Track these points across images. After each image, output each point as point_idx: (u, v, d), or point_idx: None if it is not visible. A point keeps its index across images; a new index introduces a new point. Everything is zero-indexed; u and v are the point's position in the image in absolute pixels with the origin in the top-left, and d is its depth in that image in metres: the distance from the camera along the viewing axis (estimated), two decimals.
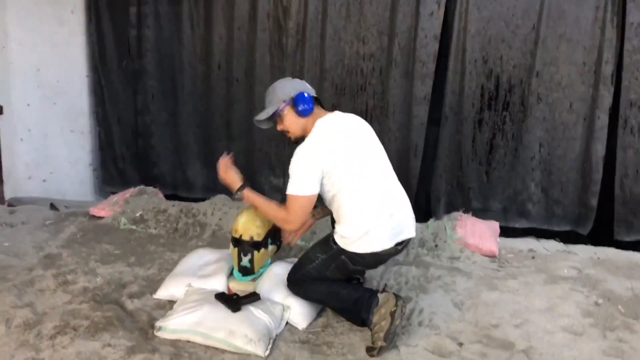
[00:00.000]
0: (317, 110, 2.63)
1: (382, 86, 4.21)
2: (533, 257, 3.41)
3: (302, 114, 2.57)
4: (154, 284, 2.95)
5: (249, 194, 2.65)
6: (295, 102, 2.56)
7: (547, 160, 4.07)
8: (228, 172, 2.74)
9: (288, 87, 2.62)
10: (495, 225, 3.81)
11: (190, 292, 2.72)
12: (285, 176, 4.53)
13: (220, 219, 3.77)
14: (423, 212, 4.29)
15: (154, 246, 3.52)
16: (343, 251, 2.53)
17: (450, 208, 4.29)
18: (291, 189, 2.46)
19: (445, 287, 3.00)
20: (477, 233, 3.54)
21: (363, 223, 2.48)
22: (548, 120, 4.01)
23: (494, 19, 3.94)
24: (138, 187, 4.33)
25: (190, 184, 4.77)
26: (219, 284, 2.80)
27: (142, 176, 4.84)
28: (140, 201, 4.04)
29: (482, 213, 4.17)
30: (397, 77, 4.15)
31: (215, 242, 3.54)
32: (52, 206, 4.29)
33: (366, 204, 2.49)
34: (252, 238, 2.78)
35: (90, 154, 4.90)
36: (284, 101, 2.58)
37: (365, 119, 4.21)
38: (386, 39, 4.13)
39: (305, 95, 2.57)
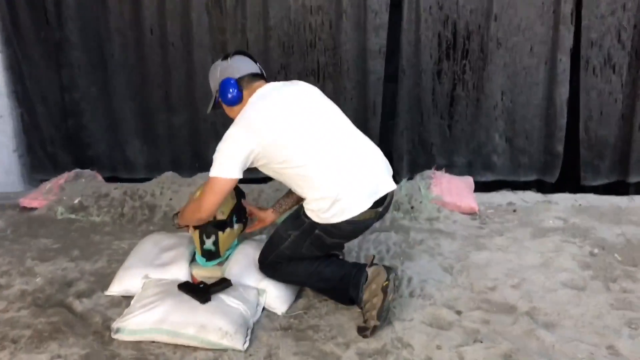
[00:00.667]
0: (254, 87, 2.38)
1: (334, 41, 3.91)
2: (514, 211, 3.25)
3: (230, 103, 2.38)
4: (105, 279, 2.59)
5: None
6: (220, 93, 2.39)
7: (510, 109, 3.92)
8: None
9: (216, 74, 2.43)
10: (469, 181, 3.63)
11: (148, 284, 2.38)
12: None
13: (170, 199, 3.41)
14: None
15: (98, 236, 3.13)
16: (316, 224, 2.26)
17: (414, 167, 4.09)
18: (213, 171, 2.25)
19: (430, 251, 2.79)
20: (453, 190, 3.34)
21: (330, 189, 2.21)
22: (509, 66, 3.84)
23: None
24: (73, 171, 3.88)
25: (131, 164, 4.34)
26: (181, 272, 2.48)
27: (75, 159, 4.37)
28: (78, 186, 3.60)
29: (447, 169, 3.98)
30: (349, 30, 3.86)
31: (168, 225, 3.16)
32: None
33: (328, 168, 2.23)
34: (214, 217, 2.46)
35: (13, 139, 4.37)
36: (217, 91, 2.42)
37: (317, 78, 4.03)
38: None
39: (229, 81, 2.34)
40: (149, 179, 4.13)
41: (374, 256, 2.36)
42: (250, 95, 2.34)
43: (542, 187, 3.97)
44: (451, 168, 4.02)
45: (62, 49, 4.13)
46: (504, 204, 3.39)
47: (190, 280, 2.45)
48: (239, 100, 2.35)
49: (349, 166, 2.26)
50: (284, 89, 2.41)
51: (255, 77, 2.41)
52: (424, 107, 3.97)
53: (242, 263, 2.49)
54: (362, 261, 2.68)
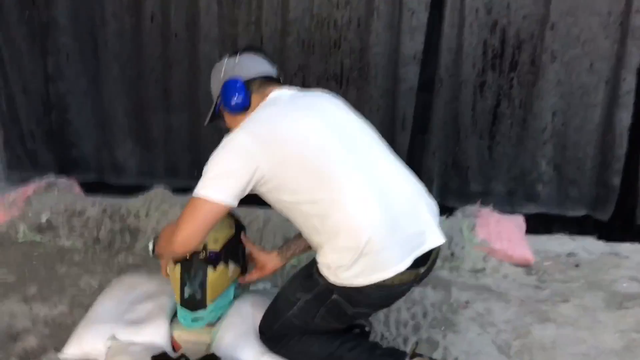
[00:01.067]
0: (266, 93, 1.90)
1: (361, 42, 3.38)
2: (577, 265, 2.70)
3: (234, 110, 1.89)
4: (62, 333, 2.05)
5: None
6: (222, 98, 1.91)
7: (561, 133, 3.38)
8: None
9: (219, 74, 1.96)
10: (520, 222, 3.07)
11: (114, 350, 1.84)
12: None
13: (158, 222, 2.86)
14: None
15: (65, 267, 2.59)
16: (333, 286, 1.71)
17: (444, 192, 3.57)
18: (198, 189, 1.70)
19: (479, 319, 2.24)
20: (503, 234, 2.78)
21: (356, 237, 1.65)
22: (563, 84, 3.30)
23: None
24: (45, 180, 3.34)
25: (120, 168, 3.81)
26: (158, 334, 1.93)
27: (58, 159, 3.86)
28: (48, 200, 3.05)
29: (482, 198, 3.45)
30: (380, 30, 3.33)
31: (151, 259, 2.60)
32: None
33: (355, 207, 1.67)
34: (205, 247, 1.90)
35: None
36: (218, 96, 1.94)
37: (340, 83, 3.43)
38: None
39: (235, 83, 1.87)
40: (139, 187, 3.62)
41: (416, 343, 1.81)
42: (260, 101, 1.87)
43: (592, 225, 3.45)
44: (487, 196, 3.49)
45: (48, 32, 3.60)
46: (563, 255, 2.85)
47: (168, 345, 1.90)
48: (245, 107, 1.87)
49: (384, 206, 1.70)
50: (305, 98, 1.90)
51: (268, 80, 1.93)
52: (461, 124, 3.45)
53: (238, 329, 1.92)
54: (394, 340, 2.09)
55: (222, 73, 1.92)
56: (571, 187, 3.45)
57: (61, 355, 1.94)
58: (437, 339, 2.11)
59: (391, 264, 1.67)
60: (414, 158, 3.54)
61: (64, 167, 3.83)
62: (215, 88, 1.95)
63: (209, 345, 1.91)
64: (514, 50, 3.29)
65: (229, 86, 1.86)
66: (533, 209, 3.50)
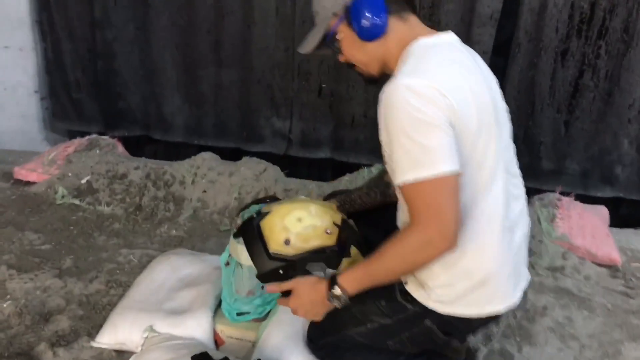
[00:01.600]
0: (402, 21, 1.45)
1: None
2: None
3: (365, 35, 1.43)
4: (97, 315, 1.87)
5: (349, 278, 1.45)
6: (352, 15, 1.41)
7: None
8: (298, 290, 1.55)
9: None
10: (604, 213, 2.74)
11: (151, 343, 1.65)
12: (293, 118, 3.42)
13: (204, 191, 2.64)
14: None
15: (104, 235, 2.41)
16: (429, 313, 1.45)
17: None
18: (417, 170, 1.27)
19: (559, 330, 1.96)
20: (587, 229, 2.46)
21: (484, 260, 1.39)
22: None
23: None
24: (87, 138, 3.15)
25: (168, 124, 3.62)
26: (201, 327, 1.73)
27: (103, 110, 3.68)
28: (89, 160, 2.86)
29: (553, 177, 3.15)
30: None
31: (196, 231, 2.41)
32: None
33: (486, 220, 1.38)
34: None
35: (34, 78, 3.71)
36: (335, 14, 1.46)
37: None
38: None
39: (375, 0, 1.39)
40: (186, 145, 3.43)
41: None
42: (406, 33, 1.44)
43: None
44: (559, 175, 3.19)
45: None
46: None
47: (212, 339, 1.70)
48: (379, 35, 1.43)
49: (508, 223, 1.44)
50: (474, 59, 1.49)
51: (406, 4, 1.48)
52: (537, 95, 3.11)
53: (287, 330, 1.70)
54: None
55: None
56: None
57: (94, 343, 1.78)
58: (511, 352, 1.86)
59: (507, 296, 1.45)
60: None
61: (110, 120, 3.67)
62: (332, 3, 1.47)
63: (255, 343, 1.72)
64: (605, 14, 2.92)
65: (367, 2, 1.40)
66: (609, 193, 3.18)
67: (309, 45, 1.54)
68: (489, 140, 1.37)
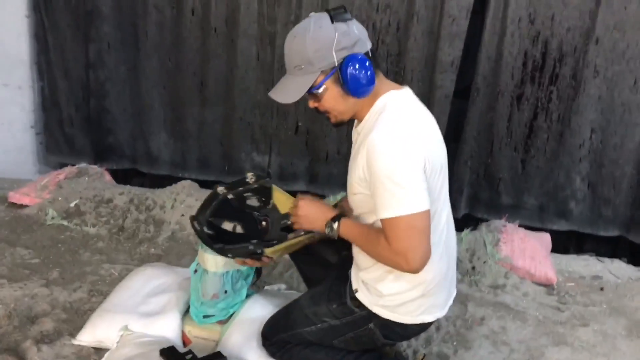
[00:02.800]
0: (377, 77, 1.59)
1: (399, 46, 3.34)
2: (602, 289, 2.61)
3: (357, 93, 1.56)
4: (78, 319, 2.10)
5: (348, 223, 1.66)
6: (344, 75, 1.52)
7: (598, 150, 3.29)
8: (310, 205, 1.73)
9: (326, 38, 1.52)
10: (547, 240, 2.99)
11: (125, 340, 1.87)
12: (272, 153, 3.66)
13: (182, 215, 2.88)
14: None
15: (88, 252, 2.64)
16: (374, 317, 1.69)
17: (474, 202, 3.52)
18: (398, 207, 1.47)
19: (493, 336, 2.19)
20: (527, 252, 2.71)
21: (429, 275, 1.63)
22: (604, 100, 3.20)
23: None
24: (77, 166, 3.40)
25: (154, 158, 3.86)
26: (170, 327, 1.96)
27: (94, 145, 3.92)
28: (78, 186, 3.11)
29: (513, 211, 3.38)
30: (419, 35, 3.27)
31: (173, 250, 2.65)
32: None
33: (434, 241, 1.60)
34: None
35: (32, 114, 3.95)
36: (323, 72, 1.55)
37: None
38: None
39: (362, 62, 1.52)
40: (171, 177, 3.66)
41: (424, 355, 1.80)
42: (379, 87, 1.59)
43: (625, 247, 3.36)
44: (518, 210, 3.43)
45: (92, 20, 3.66)
46: (588, 277, 2.76)
47: (179, 338, 1.92)
48: (372, 89, 1.57)
49: (447, 249, 1.70)
50: (426, 109, 1.71)
51: (375, 61, 1.62)
52: (495, 135, 3.37)
53: (247, 329, 1.94)
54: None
55: (335, 42, 1.51)
56: (605, 206, 3.35)
57: (74, 341, 1.99)
58: (447, 354, 2.08)
59: (438, 308, 1.71)
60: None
61: (100, 154, 3.89)
62: (318, 58, 1.53)
63: (217, 343, 1.93)
64: (555, 62, 3.21)
65: (359, 62, 1.51)
66: (564, 226, 3.42)
67: (291, 96, 1.59)
68: (444, 176, 1.63)
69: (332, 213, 1.69)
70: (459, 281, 2.59)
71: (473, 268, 2.65)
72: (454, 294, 1.81)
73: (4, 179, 3.61)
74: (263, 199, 1.79)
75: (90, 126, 3.89)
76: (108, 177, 3.46)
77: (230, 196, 1.74)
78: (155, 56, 3.67)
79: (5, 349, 1.91)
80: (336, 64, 1.53)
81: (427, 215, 1.49)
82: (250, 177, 1.76)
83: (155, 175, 3.86)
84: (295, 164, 3.67)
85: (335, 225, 1.65)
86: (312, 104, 1.66)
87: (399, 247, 1.49)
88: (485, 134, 3.39)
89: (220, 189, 1.74)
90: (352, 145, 1.76)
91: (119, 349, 1.82)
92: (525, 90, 3.28)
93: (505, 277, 2.59)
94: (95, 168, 3.43)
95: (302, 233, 1.76)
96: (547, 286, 2.64)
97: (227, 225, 1.82)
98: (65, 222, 2.91)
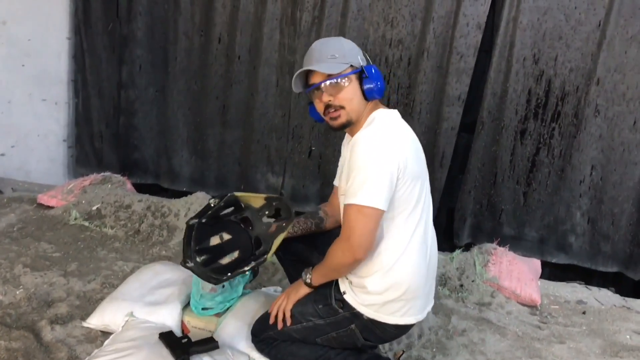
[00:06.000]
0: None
1: (409, 80, 3.53)
2: (584, 313, 2.71)
3: (370, 94, 1.80)
4: (89, 306, 2.29)
5: (315, 273, 1.92)
6: (369, 72, 1.80)
7: (598, 186, 3.39)
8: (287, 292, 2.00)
9: (356, 50, 1.86)
10: (536, 265, 3.10)
11: (130, 324, 2.05)
12: (285, 175, 3.86)
13: None
14: (443, 232, 3.60)
15: (105, 250, 2.85)
16: (358, 317, 1.84)
17: (476, 232, 3.63)
18: (359, 197, 1.67)
19: (471, 346, 2.31)
20: (514, 274, 2.83)
21: (408, 276, 1.79)
22: (605, 139, 3.33)
23: (552, 10, 3.24)
24: (102, 174, 3.66)
25: (175, 174, 4.10)
26: (170, 316, 2.13)
27: (120, 159, 4.19)
28: (101, 192, 3.35)
29: (513, 242, 3.49)
30: (428, 70, 3.47)
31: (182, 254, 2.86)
32: None
33: (416, 248, 1.79)
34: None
35: (65, 129, 4.24)
36: (352, 66, 1.81)
37: None
38: (419, 23, 3.43)
39: (379, 72, 1.82)
40: (191, 194, 3.87)
41: (403, 351, 1.93)
42: (376, 102, 1.88)
43: (623, 284, 3.43)
44: (519, 241, 3.53)
45: (126, 44, 3.97)
46: (572, 301, 2.85)
47: (178, 327, 2.10)
48: (380, 94, 1.83)
49: (425, 255, 1.85)
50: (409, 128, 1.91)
51: None
52: (499, 168, 3.51)
53: (240, 322, 2.11)
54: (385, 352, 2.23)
55: (360, 54, 1.85)
56: (604, 242, 3.43)
57: (84, 324, 2.18)
58: (426, 358, 2.20)
59: (421, 310, 1.86)
60: (450, 195, 3.65)
61: (125, 168, 4.14)
62: (351, 56, 1.82)
63: (213, 333, 2.10)
64: (558, 101, 3.35)
65: (377, 71, 1.81)
66: (563, 259, 3.51)
67: (332, 69, 1.78)
68: (423, 185, 1.81)
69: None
70: (446, 297, 2.72)
71: (461, 285, 2.77)
72: (431, 304, 1.94)
73: (35, 183, 3.89)
74: (233, 208, 1.99)
75: (119, 142, 4.16)
76: (129, 185, 3.69)
77: (203, 220, 1.91)
78: (182, 79, 3.93)
79: (23, 326, 2.12)
80: (362, 65, 1.82)
81: (378, 213, 1.68)
82: (213, 201, 1.94)
83: (176, 191, 4.08)
84: (307, 187, 3.85)
85: (308, 278, 1.91)
86: (326, 97, 1.82)
87: (346, 231, 1.70)
88: (489, 166, 3.53)
89: (192, 220, 1.90)
90: (340, 157, 2.04)
91: (123, 332, 2.00)
92: (528, 125, 3.42)
93: (491, 296, 2.71)
94: (118, 177, 3.67)
95: (284, 223, 1.97)
96: (532, 307, 2.74)
97: (214, 240, 1.94)
98: (86, 223, 3.14)
